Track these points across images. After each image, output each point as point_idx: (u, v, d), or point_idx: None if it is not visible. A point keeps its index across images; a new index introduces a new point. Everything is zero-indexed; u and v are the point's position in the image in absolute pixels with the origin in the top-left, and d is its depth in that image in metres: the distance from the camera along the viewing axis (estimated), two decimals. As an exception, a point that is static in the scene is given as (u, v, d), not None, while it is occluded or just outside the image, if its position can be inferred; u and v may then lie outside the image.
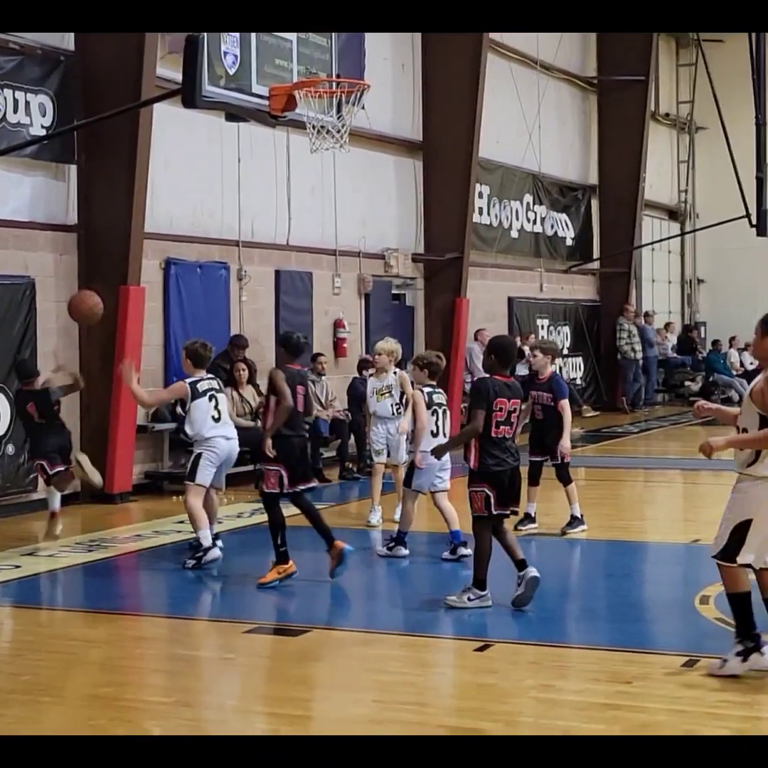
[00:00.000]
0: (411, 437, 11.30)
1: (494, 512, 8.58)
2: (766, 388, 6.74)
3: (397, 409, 12.19)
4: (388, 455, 12.28)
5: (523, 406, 9.50)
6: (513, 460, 8.67)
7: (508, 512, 8.71)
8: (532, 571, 8.61)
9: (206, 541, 10.29)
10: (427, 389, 10.72)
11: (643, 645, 7.86)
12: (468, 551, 9.91)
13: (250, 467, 15.19)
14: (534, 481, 11.74)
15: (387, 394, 12.26)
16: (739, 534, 6.90)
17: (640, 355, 25.87)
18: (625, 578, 10.13)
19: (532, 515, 11.76)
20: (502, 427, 8.59)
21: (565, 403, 11.66)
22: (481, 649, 7.70)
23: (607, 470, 17.00)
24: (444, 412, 10.72)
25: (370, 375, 12.86)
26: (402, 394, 12.16)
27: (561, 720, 6.35)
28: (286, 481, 9.50)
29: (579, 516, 11.57)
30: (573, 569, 10.96)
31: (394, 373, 12.37)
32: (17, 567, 10.23)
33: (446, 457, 10.29)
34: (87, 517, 13.01)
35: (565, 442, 11.50)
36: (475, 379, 8.45)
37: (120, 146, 13.63)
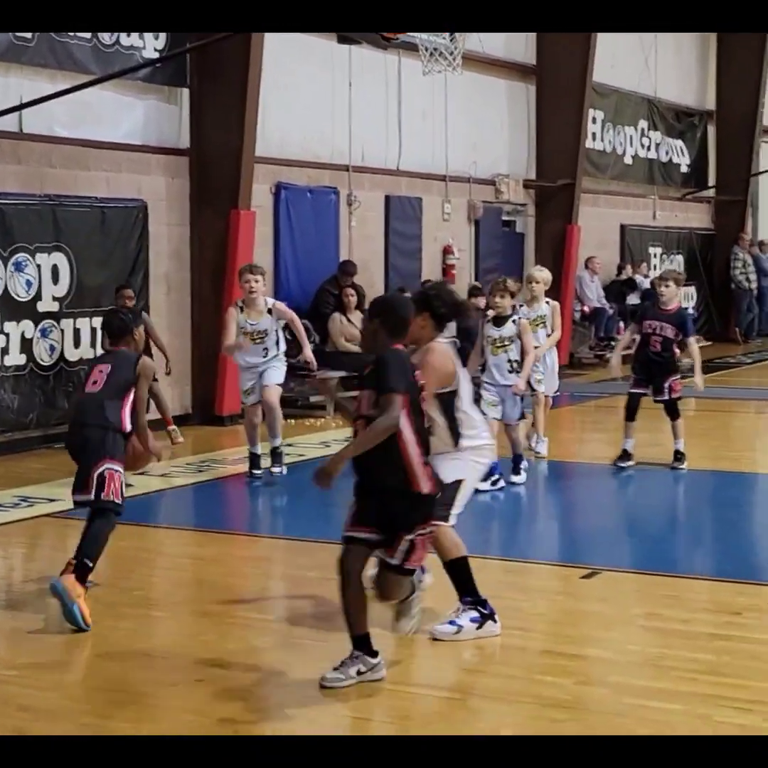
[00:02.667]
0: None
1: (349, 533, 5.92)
2: (421, 364, 6.12)
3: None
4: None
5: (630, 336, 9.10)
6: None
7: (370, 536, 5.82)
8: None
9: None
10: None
11: (752, 576, 7.77)
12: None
13: (356, 393, 15.25)
14: (631, 415, 11.35)
15: (541, 325, 11.75)
16: None
17: (754, 285, 25.35)
18: (734, 509, 10.01)
19: (630, 451, 11.38)
20: None
21: (693, 341, 11.43)
22: (587, 576, 7.66)
23: (718, 401, 16.73)
24: None
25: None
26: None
27: (668, 648, 6.31)
28: None
29: (683, 452, 11.34)
30: (682, 500, 10.85)
31: (547, 302, 11.93)
32: (130, 486, 10.40)
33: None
34: (197, 438, 13.18)
35: (698, 380, 11.28)
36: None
37: (232, 69, 13.63)
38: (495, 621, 6.45)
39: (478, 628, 6.41)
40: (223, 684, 5.80)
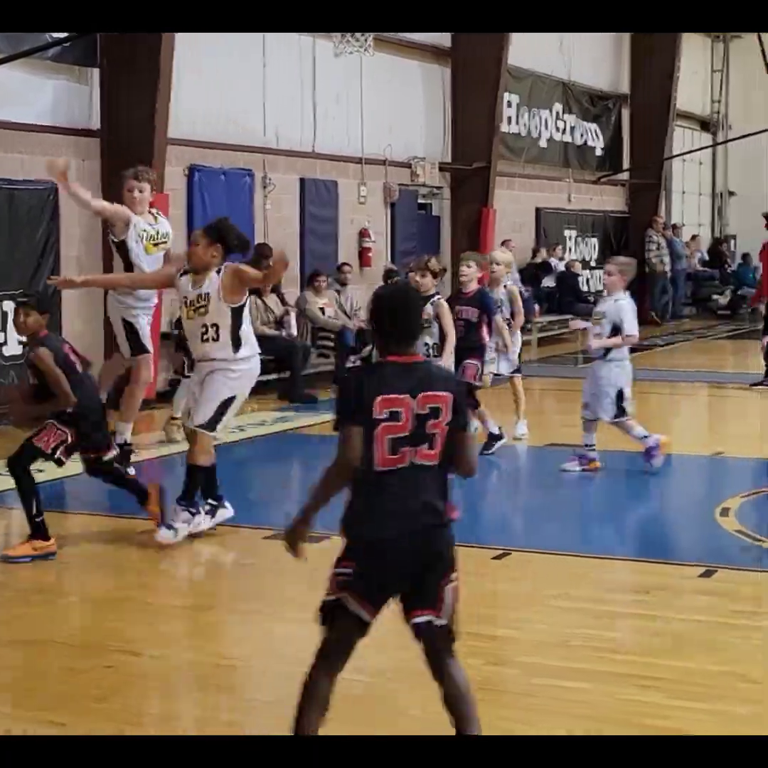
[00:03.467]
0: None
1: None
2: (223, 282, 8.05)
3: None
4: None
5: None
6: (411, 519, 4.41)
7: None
8: None
9: None
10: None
11: (661, 556, 7.87)
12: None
13: (274, 376, 15.22)
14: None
15: (497, 309, 11.41)
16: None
17: (668, 268, 25.65)
18: (646, 490, 10.11)
19: (497, 433, 11.07)
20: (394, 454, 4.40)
21: (499, 319, 11.27)
22: (499, 557, 7.72)
23: (636, 383, 16.90)
24: None
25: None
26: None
27: (577, 628, 6.38)
28: None
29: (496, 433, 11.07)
30: (594, 480, 10.94)
31: (505, 286, 11.78)
32: (40, 471, 10.29)
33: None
34: (111, 423, 13.03)
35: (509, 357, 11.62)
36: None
37: (143, 49, 13.46)
38: (225, 507, 8.22)
39: (212, 518, 8.14)
40: (131, 670, 5.77)
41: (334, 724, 4.46)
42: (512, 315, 11.75)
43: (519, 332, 12.10)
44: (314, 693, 4.46)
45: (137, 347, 10.50)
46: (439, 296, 10.05)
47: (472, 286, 10.73)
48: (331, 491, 4.48)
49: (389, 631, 4.72)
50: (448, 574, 4.45)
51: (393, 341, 4.44)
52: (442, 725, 4.50)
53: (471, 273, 10.71)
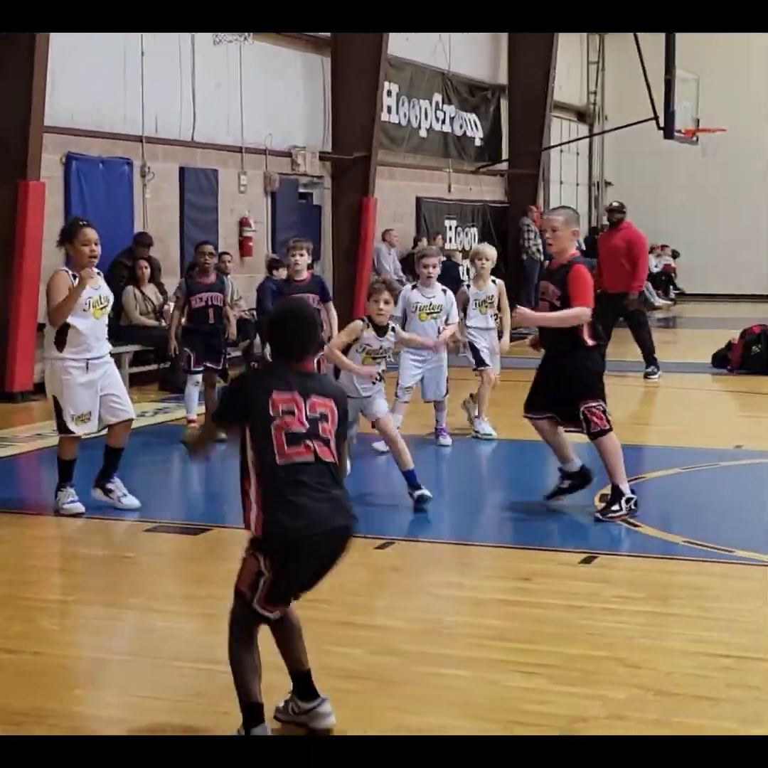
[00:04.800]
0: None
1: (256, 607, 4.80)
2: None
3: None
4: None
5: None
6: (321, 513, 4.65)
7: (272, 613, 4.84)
8: None
9: None
10: None
11: (542, 543, 7.96)
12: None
13: (154, 366, 15.07)
14: None
15: (489, 305, 11.39)
16: None
17: (543, 257, 25.88)
18: (525, 477, 10.22)
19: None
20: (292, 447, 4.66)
21: (331, 305, 11.15)
22: (382, 547, 7.73)
23: (513, 371, 17.07)
24: None
25: (413, 287, 11.08)
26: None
27: (459, 616, 6.43)
28: None
29: None
30: (474, 468, 11.03)
31: (494, 282, 11.50)
32: None
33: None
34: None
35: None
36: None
37: (17, 34, 13.17)
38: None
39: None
40: (8, 668, 5.67)
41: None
42: (499, 308, 11.53)
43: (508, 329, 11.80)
44: (245, 667, 4.77)
45: None
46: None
47: (305, 274, 10.99)
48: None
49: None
50: None
51: (288, 356, 4.78)
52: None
53: (302, 261, 10.89)
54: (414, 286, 10.97)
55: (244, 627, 4.82)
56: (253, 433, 4.64)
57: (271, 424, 4.59)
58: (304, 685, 4.94)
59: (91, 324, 8.38)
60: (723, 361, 16.13)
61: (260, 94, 18.23)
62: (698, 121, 24.45)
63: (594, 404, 8.27)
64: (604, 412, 8.30)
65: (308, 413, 4.65)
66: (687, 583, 7.01)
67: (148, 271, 15.11)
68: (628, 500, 8.31)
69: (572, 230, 8.40)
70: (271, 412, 4.60)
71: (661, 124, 22.48)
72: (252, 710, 4.72)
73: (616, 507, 8.30)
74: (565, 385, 8.34)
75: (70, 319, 8.29)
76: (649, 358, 15.65)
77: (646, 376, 15.53)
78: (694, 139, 24.52)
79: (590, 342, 8.29)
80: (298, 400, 4.65)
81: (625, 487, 8.35)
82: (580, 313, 8.20)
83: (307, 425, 4.63)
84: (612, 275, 15.40)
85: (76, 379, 8.35)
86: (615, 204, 16.40)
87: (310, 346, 4.84)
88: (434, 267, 10.77)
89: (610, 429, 8.33)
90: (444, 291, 10.87)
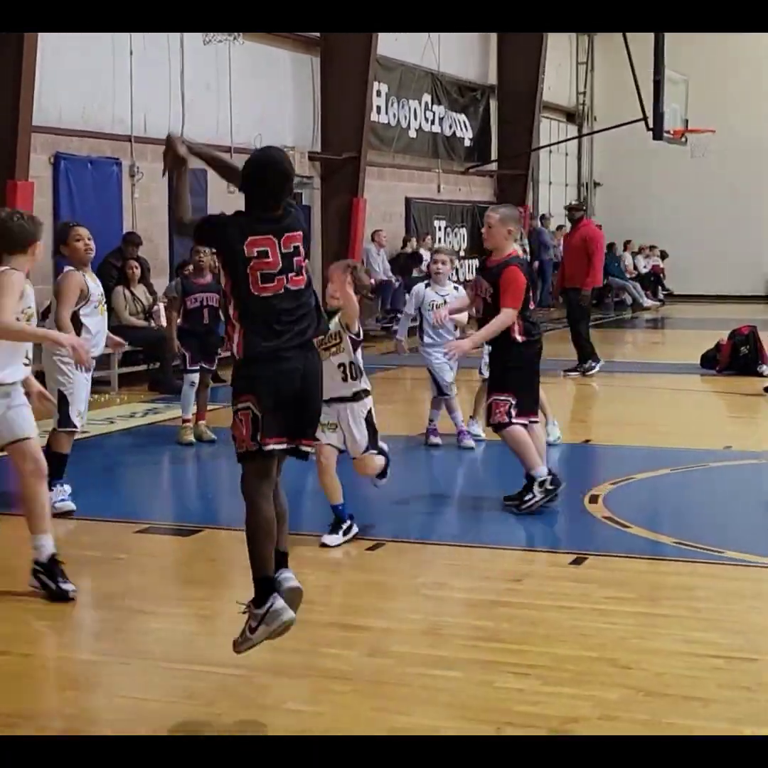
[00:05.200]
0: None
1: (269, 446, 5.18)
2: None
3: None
4: None
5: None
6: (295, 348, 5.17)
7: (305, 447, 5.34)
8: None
9: None
10: None
11: (532, 544, 7.97)
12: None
13: (144, 367, 15.06)
14: None
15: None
16: None
17: (527, 257, 25.84)
18: (516, 478, 10.21)
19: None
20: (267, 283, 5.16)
21: None
22: (372, 548, 7.74)
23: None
24: None
25: (426, 285, 11.19)
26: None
27: (451, 617, 6.43)
28: None
29: None
30: (464, 470, 11.03)
31: (456, 288, 11.18)
32: None
33: None
34: None
35: None
36: None
37: (5, 34, 13.16)
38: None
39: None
40: (1, 670, 5.66)
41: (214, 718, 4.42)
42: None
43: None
44: (261, 523, 5.08)
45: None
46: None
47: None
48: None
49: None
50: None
51: (263, 204, 5.20)
52: (318, 720, 4.50)
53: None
54: (427, 284, 11.12)
55: (255, 481, 5.15)
56: (228, 267, 5.18)
57: (248, 266, 5.11)
58: (277, 563, 5.19)
59: (99, 321, 8.67)
60: (711, 361, 16.17)
61: (249, 94, 18.22)
62: (687, 122, 24.51)
63: (501, 398, 8.45)
64: (510, 407, 8.43)
65: (282, 250, 5.16)
66: (677, 583, 7.02)
67: (138, 272, 15.09)
68: (541, 483, 8.45)
69: (508, 229, 8.49)
70: (247, 254, 5.11)
71: (650, 125, 22.53)
72: (263, 584, 5.06)
73: (529, 496, 8.49)
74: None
75: (82, 318, 8.48)
76: (586, 355, 15.94)
77: (584, 372, 15.77)
78: (683, 140, 24.59)
79: (520, 338, 8.43)
80: (272, 240, 5.15)
81: (538, 472, 8.51)
82: (504, 319, 8.36)
83: (281, 263, 5.15)
84: (574, 273, 15.90)
85: (82, 376, 8.45)
86: (574, 202, 16.84)
87: (285, 197, 5.25)
88: (444, 263, 10.99)
89: (510, 424, 8.45)
90: (456, 287, 11.11)
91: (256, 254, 5.12)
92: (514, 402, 8.41)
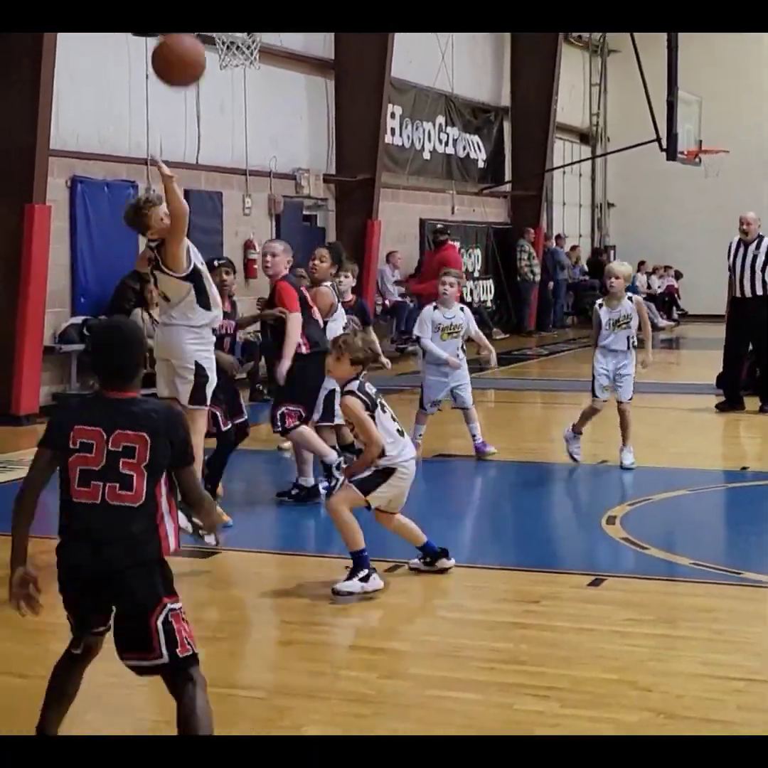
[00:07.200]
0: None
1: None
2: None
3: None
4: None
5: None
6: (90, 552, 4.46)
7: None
8: None
9: None
10: None
11: (550, 565, 7.96)
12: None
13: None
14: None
15: (625, 325, 10.66)
16: None
17: (538, 278, 25.85)
18: (532, 499, 10.22)
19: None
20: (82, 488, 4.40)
21: (370, 329, 10.98)
22: (391, 569, 7.73)
23: (515, 393, 17.12)
24: None
25: (435, 307, 11.25)
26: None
27: (469, 639, 6.41)
28: None
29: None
30: (481, 490, 11.03)
31: (630, 299, 10.73)
32: None
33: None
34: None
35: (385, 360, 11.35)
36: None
37: (23, 57, 13.25)
38: None
39: None
40: (18, 693, 5.66)
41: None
42: (639, 327, 10.89)
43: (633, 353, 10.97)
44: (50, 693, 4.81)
45: None
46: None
47: (350, 296, 11.18)
48: (18, 515, 4.69)
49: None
50: (152, 612, 4.43)
51: (106, 377, 4.43)
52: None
53: (347, 283, 11.07)
54: (435, 307, 11.23)
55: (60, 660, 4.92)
56: (57, 462, 4.45)
57: (68, 459, 4.36)
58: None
59: None
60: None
61: (264, 117, 18.29)
62: (701, 142, 24.52)
63: (292, 408, 9.33)
64: (299, 416, 9.31)
65: (109, 448, 4.31)
66: (696, 605, 7.00)
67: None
68: (338, 466, 9.16)
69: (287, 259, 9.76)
70: (71, 445, 4.35)
71: (664, 146, 22.54)
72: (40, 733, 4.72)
73: (332, 481, 9.27)
74: None
75: None
76: None
77: None
78: (697, 160, 24.58)
79: (305, 350, 9.28)
80: (100, 433, 4.32)
81: (308, 481, 9.57)
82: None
83: (104, 462, 4.31)
84: (431, 291, 16.41)
85: None
86: (439, 226, 18.02)
87: (126, 371, 4.41)
88: (452, 285, 11.13)
89: (295, 427, 9.30)
90: (462, 309, 11.27)
91: (80, 445, 4.38)
92: (298, 410, 9.34)
